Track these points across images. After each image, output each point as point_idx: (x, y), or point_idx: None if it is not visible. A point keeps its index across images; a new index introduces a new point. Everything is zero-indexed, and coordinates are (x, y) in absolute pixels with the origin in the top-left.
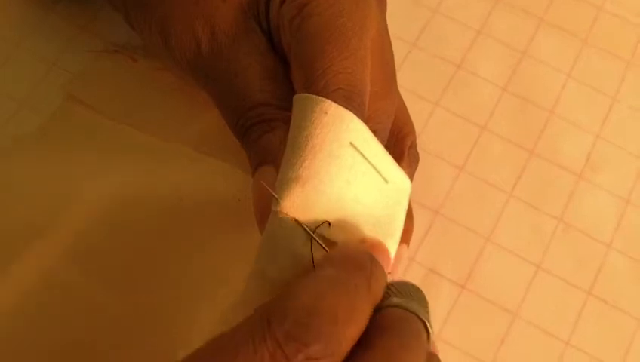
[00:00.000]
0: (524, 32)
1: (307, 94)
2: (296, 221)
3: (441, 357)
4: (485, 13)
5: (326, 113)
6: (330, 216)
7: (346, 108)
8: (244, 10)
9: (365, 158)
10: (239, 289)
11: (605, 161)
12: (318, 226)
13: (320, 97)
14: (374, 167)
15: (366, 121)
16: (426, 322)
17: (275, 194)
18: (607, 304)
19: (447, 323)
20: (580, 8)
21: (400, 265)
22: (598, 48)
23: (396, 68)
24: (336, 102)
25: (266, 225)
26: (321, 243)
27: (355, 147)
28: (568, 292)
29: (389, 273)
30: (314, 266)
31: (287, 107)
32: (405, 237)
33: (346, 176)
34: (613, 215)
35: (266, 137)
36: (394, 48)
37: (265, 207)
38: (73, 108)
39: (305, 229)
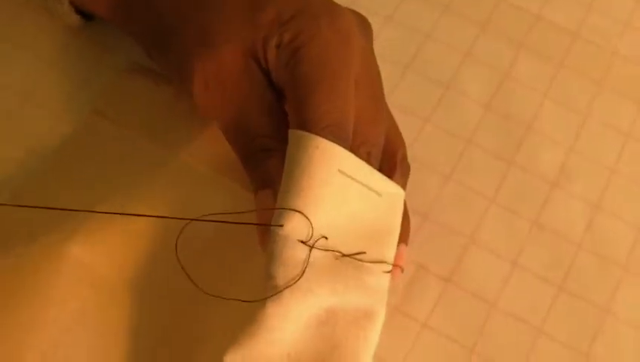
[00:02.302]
0: (506, 56)
1: (301, 131)
2: (298, 240)
3: (428, 342)
4: (472, 39)
5: (317, 147)
6: (329, 232)
7: (335, 141)
8: (245, 52)
9: (355, 180)
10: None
11: (577, 171)
12: (317, 241)
13: (312, 135)
14: (366, 186)
15: (360, 146)
16: None
17: (277, 220)
18: (576, 297)
19: (434, 312)
20: (557, 34)
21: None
22: (573, 70)
23: (391, 88)
24: (325, 137)
25: (268, 243)
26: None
27: (344, 173)
28: (541, 287)
29: (391, 271)
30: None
31: (283, 136)
32: (403, 236)
33: (339, 198)
34: (583, 219)
35: (265, 164)
36: (389, 71)
37: (266, 226)
38: (98, 121)
39: (305, 244)
